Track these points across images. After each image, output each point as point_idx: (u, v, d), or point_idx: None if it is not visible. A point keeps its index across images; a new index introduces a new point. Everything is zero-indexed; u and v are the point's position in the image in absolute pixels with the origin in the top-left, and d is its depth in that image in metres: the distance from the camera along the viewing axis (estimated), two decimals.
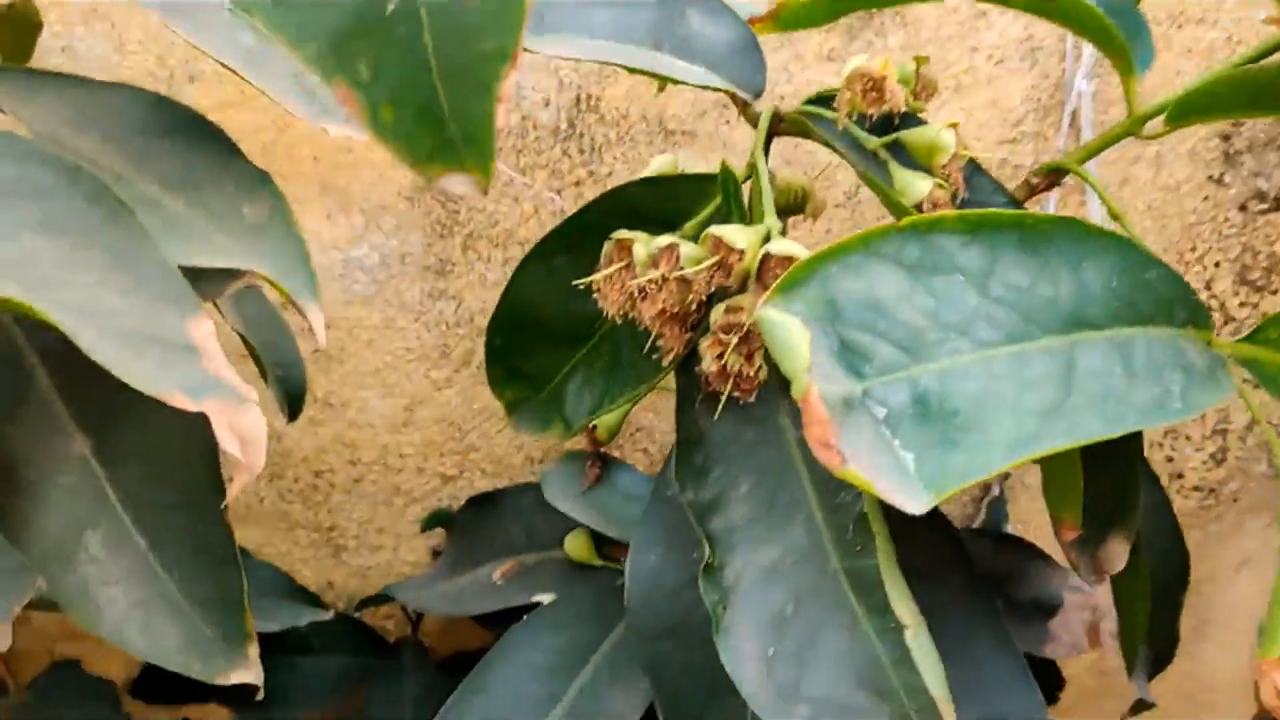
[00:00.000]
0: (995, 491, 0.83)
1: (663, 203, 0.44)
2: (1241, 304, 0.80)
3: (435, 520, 0.76)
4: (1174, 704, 0.88)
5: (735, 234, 0.39)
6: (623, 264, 0.42)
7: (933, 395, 0.35)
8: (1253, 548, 0.88)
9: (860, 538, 0.39)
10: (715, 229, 0.39)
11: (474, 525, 0.69)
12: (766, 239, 0.40)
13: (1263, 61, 0.39)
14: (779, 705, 0.39)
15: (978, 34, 0.71)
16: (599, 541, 0.62)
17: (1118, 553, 0.46)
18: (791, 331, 0.33)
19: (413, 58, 0.30)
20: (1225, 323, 0.83)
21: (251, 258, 0.40)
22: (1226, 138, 0.77)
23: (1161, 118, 0.42)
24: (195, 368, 0.35)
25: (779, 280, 0.35)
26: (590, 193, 0.72)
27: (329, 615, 0.64)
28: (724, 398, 0.42)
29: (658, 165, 0.52)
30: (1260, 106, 0.40)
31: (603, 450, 0.61)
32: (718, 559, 0.41)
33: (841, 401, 0.34)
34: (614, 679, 0.53)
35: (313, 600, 0.68)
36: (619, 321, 0.43)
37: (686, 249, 0.40)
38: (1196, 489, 0.85)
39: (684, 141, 0.72)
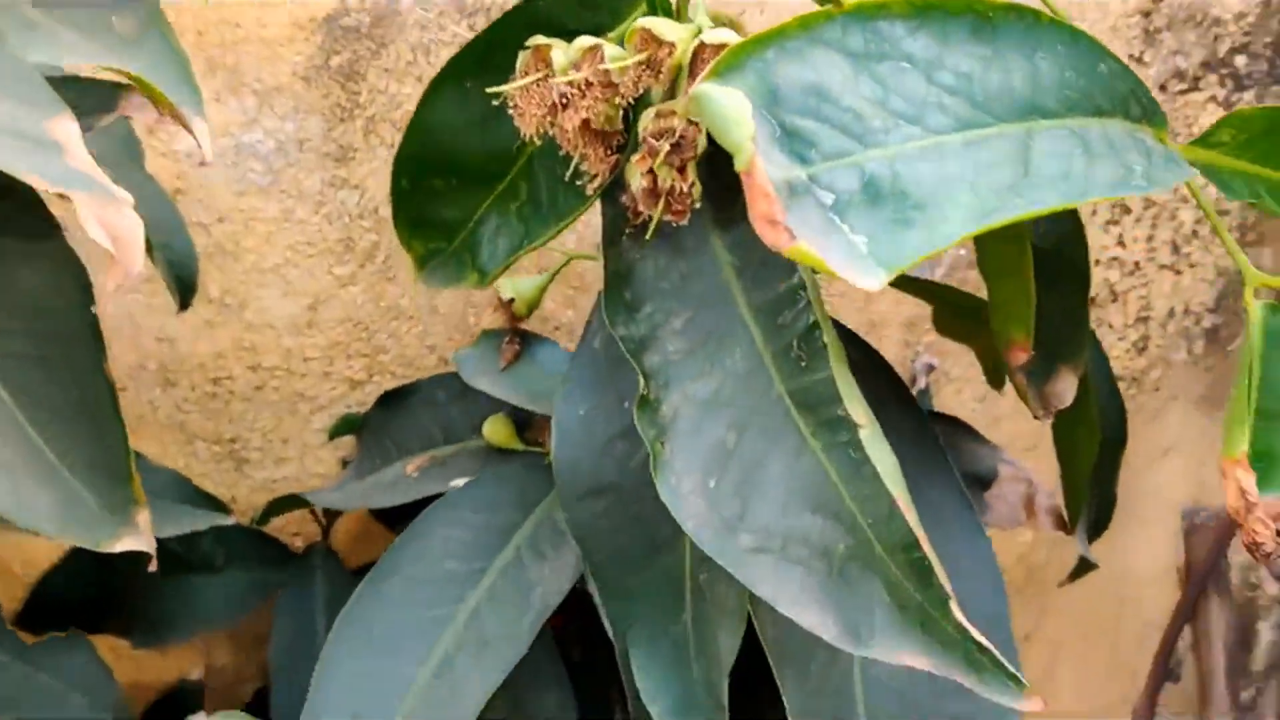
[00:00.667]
0: (921, 384, 0.81)
1: (582, 12, 0.40)
2: None
3: (344, 427, 0.72)
4: (1095, 595, 0.88)
5: (665, 26, 0.35)
6: (540, 75, 0.38)
7: (883, 179, 0.32)
8: (1174, 435, 0.89)
9: (806, 351, 0.36)
10: (643, 20, 0.36)
11: (385, 423, 0.65)
12: (699, 30, 0.36)
13: None
14: (723, 538, 0.36)
15: None
16: (520, 426, 0.59)
17: (1067, 386, 0.44)
18: (733, 101, 0.30)
19: None
20: (1146, 208, 0.82)
21: (125, 64, 0.35)
22: (1147, 14, 0.76)
23: None
24: (58, 159, 0.31)
25: (713, 64, 0.32)
26: None
27: (231, 520, 0.60)
28: (655, 221, 0.39)
29: None
30: None
31: (521, 327, 0.57)
32: (653, 394, 0.38)
33: (786, 186, 0.31)
34: (539, 555, 0.50)
35: (216, 505, 0.63)
36: (538, 142, 0.40)
37: (611, 50, 0.37)
38: (1119, 378, 0.85)
39: None
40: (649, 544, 0.44)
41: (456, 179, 0.44)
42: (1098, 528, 0.57)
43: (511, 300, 0.56)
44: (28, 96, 0.33)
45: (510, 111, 0.39)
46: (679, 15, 0.39)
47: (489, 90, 0.39)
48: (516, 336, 0.57)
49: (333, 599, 0.65)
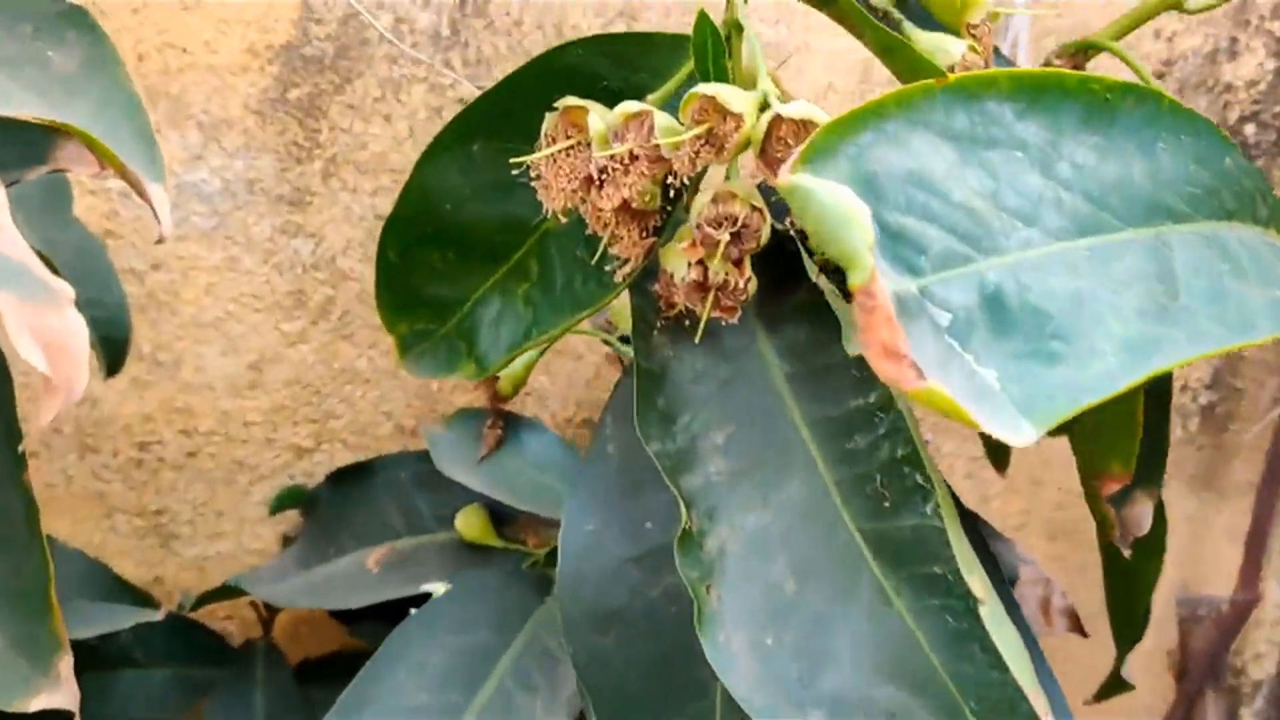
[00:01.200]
0: None
1: (615, 70, 0.34)
2: None
3: (288, 500, 0.64)
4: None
5: (731, 95, 0.29)
6: (572, 142, 0.32)
7: (1009, 295, 0.26)
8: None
9: (891, 489, 0.30)
10: (704, 88, 0.30)
11: (339, 505, 0.58)
12: (764, 106, 0.31)
13: None
14: (784, 709, 0.30)
15: None
16: (497, 519, 0.52)
17: (1143, 513, 0.39)
18: (845, 200, 0.24)
19: None
20: None
21: (62, 114, 0.28)
22: (1159, 77, 0.72)
23: None
24: None
25: (802, 149, 0.26)
26: None
27: (158, 616, 0.52)
28: (703, 320, 0.33)
29: None
30: None
31: (504, 408, 0.51)
32: (696, 525, 0.32)
33: (895, 304, 0.25)
34: (528, 687, 0.43)
35: (138, 598, 0.55)
36: (562, 220, 0.33)
37: (661, 119, 0.31)
38: None
39: None
40: (670, 689, 0.37)
41: (455, 253, 0.37)
42: (1131, 641, 0.52)
43: (496, 378, 0.49)
44: None
45: (533, 183, 0.33)
46: (733, 78, 0.34)
47: (512, 160, 0.33)
48: (499, 419, 0.50)
49: (274, 702, 0.57)
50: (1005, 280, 0.26)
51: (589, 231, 0.34)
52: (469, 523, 0.51)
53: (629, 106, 0.31)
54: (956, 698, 0.28)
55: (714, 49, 0.32)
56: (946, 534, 0.28)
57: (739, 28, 0.33)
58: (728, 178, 0.32)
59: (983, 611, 0.27)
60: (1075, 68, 0.37)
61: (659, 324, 0.35)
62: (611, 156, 0.31)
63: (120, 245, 0.60)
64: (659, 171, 0.31)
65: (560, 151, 0.32)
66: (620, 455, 0.38)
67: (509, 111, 0.35)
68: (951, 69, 0.32)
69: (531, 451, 0.50)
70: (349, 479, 0.58)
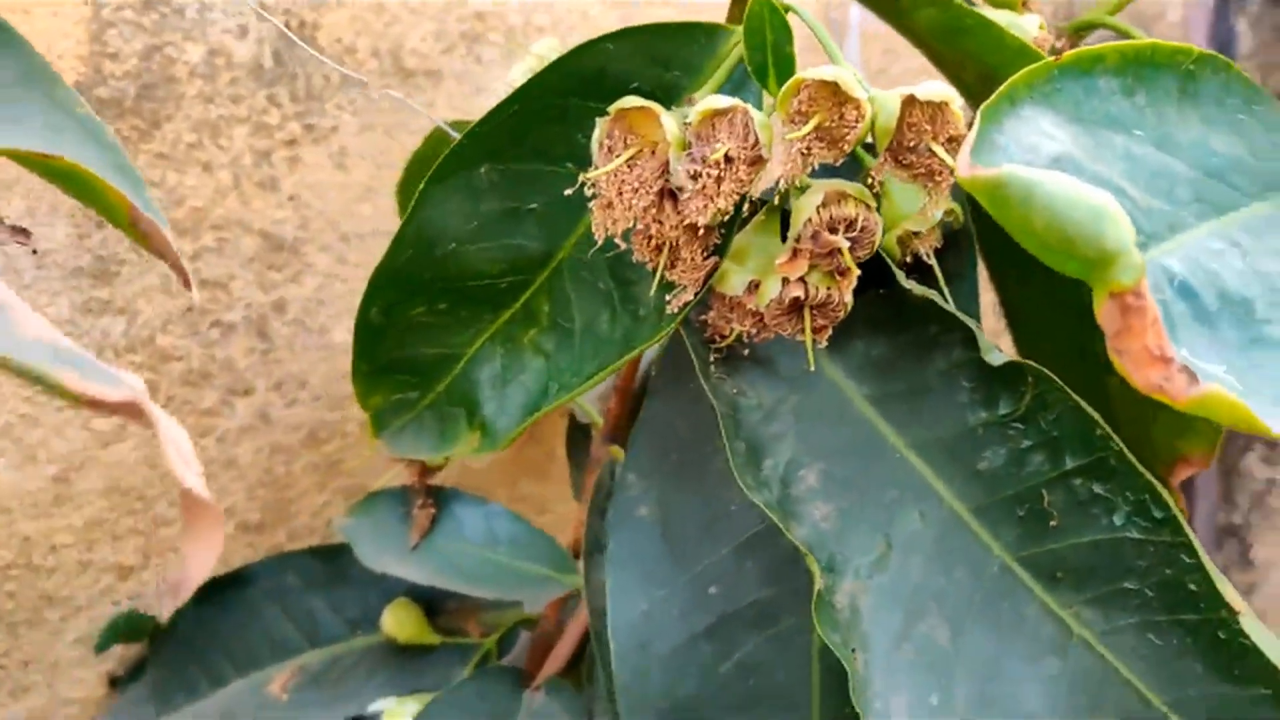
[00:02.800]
0: None
1: (646, 69, 0.29)
2: None
3: (122, 630, 0.53)
4: None
5: (850, 78, 0.25)
6: (633, 150, 0.27)
7: (1197, 282, 0.24)
8: None
9: (1062, 507, 0.27)
10: (815, 72, 0.25)
11: (205, 625, 0.48)
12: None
13: None
14: None
15: None
16: (429, 609, 0.44)
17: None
18: (1085, 191, 0.21)
19: None
20: None
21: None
22: None
23: None
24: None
25: (973, 139, 0.22)
26: (310, 155, 0.54)
27: None
28: (809, 346, 0.29)
29: (542, 49, 0.36)
30: None
31: (432, 483, 0.44)
32: (822, 583, 0.28)
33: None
34: None
35: None
36: (620, 244, 0.28)
37: (755, 113, 0.26)
38: None
39: (426, 84, 0.56)
40: None
41: (448, 303, 0.31)
42: None
43: None
44: None
45: (590, 203, 0.27)
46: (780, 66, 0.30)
47: (583, 178, 0.27)
48: (429, 497, 0.43)
49: None
50: (1188, 266, 0.24)
51: (635, 258, 0.29)
52: (401, 620, 0.43)
53: (713, 103, 0.26)
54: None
55: (775, 33, 0.28)
56: (1149, 545, 0.25)
57: (785, 9, 0.29)
58: (795, 184, 0.28)
59: (1244, 622, 0.24)
60: (1073, 45, 0.36)
61: (713, 359, 0.31)
62: (704, 160, 0.26)
63: None
64: (756, 176, 0.26)
65: (624, 163, 0.27)
66: (657, 517, 0.33)
67: (521, 129, 0.29)
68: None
69: (472, 528, 0.43)
70: (217, 593, 0.48)
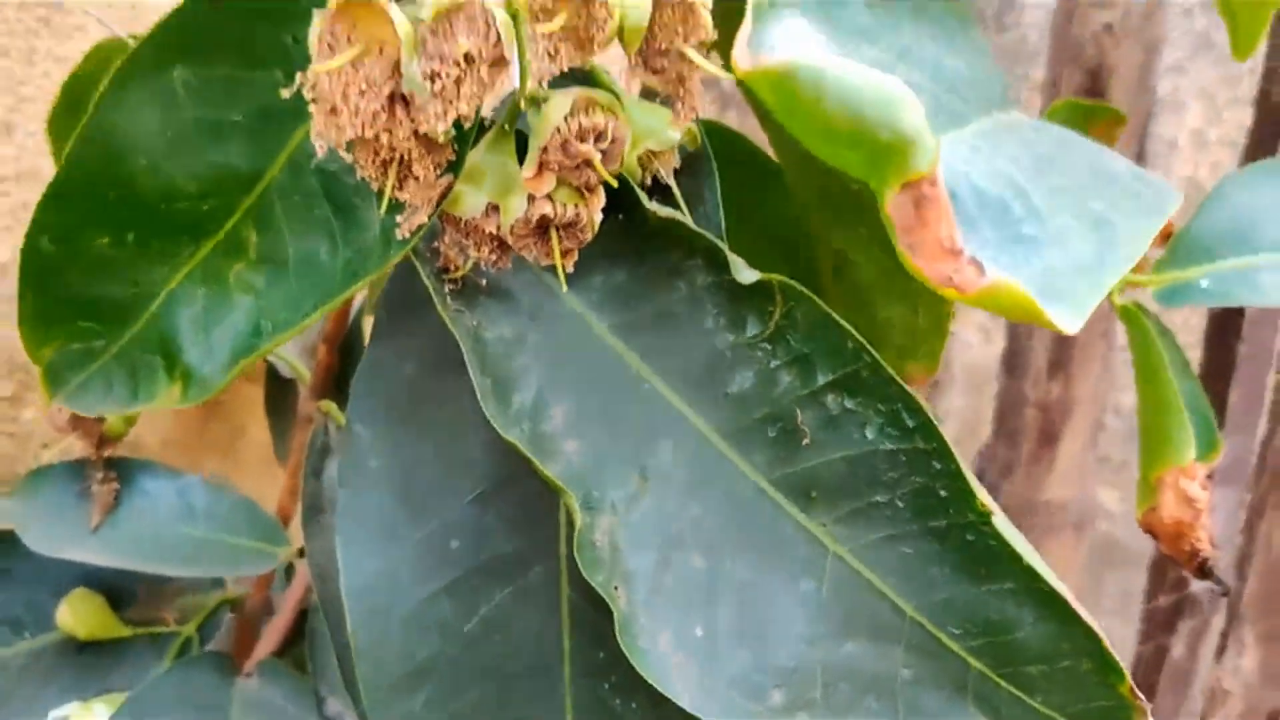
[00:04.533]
0: None
1: None
2: None
3: None
4: None
5: None
6: (358, 49, 0.24)
7: (952, 181, 0.24)
8: None
9: (814, 425, 0.27)
10: None
11: None
12: None
13: None
14: (739, 703, 0.26)
15: None
16: (115, 599, 0.39)
17: None
18: (875, 77, 0.20)
19: None
20: None
21: None
22: None
23: None
24: None
25: (747, 33, 0.22)
26: None
27: None
28: (560, 269, 0.27)
29: None
30: None
31: (112, 454, 0.38)
32: (580, 522, 0.26)
33: None
34: None
35: None
36: (348, 159, 0.25)
37: (499, 12, 0.24)
38: None
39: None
40: None
41: (137, 233, 0.27)
42: None
43: (100, 418, 0.37)
44: None
45: (311, 109, 0.24)
46: None
47: (304, 79, 0.23)
48: (110, 471, 0.37)
49: None
50: (946, 172, 0.24)
51: (360, 175, 0.26)
52: (80, 613, 0.38)
53: None
54: (932, 630, 0.26)
55: None
56: (901, 454, 0.26)
57: None
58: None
59: (996, 522, 0.24)
60: None
61: (448, 289, 0.28)
62: (444, 59, 0.23)
63: None
64: (496, 80, 0.24)
65: (356, 60, 0.24)
66: (389, 466, 0.30)
67: (223, 26, 0.25)
68: None
69: (165, 502, 0.38)
70: None
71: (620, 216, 0.29)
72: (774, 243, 0.43)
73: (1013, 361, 0.60)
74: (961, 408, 0.86)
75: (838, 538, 0.27)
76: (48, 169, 0.49)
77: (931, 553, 0.26)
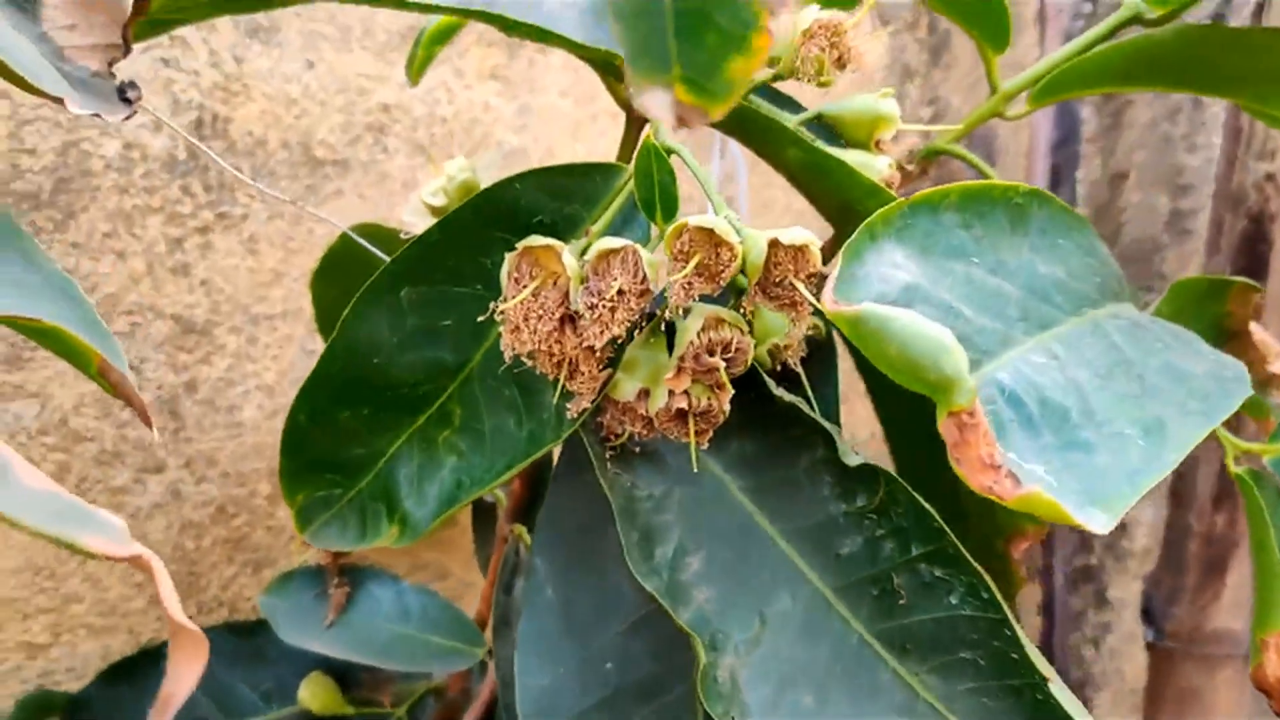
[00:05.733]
0: None
1: (549, 203, 0.33)
2: None
3: (32, 711, 0.54)
4: None
5: (726, 226, 0.30)
6: (538, 282, 0.31)
7: (1022, 393, 0.29)
8: None
9: (910, 588, 0.31)
10: (697, 220, 0.30)
11: (116, 705, 0.50)
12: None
13: (1134, 35, 0.39)
14: None
15: None
16: (343, 682, 0.47)
17: (1032, 552, 0.43)
18: (928, 326, 0.25)
19: None
20: None
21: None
22: None
23: (1025, 96, 0.41)
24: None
25: (836, 277, 0.27)
26: (222, 242, 0.57)
27: None
28: (694, 449, 0.33)
29: (455, 171, 0.40)
30: (1132, 81, 0.40)
31: (346, 562, 0.46)
32: (705, 659, 0.31)
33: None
34: None
35: None
36: (527, 364, 0.32)
37: (645, 254, 0.30)
38: None
39: (335, 174, 0.59)
40: None
41: (370, 408, 0.34)
42: None
43: None
44: None
45: (500, 328, 0.31)
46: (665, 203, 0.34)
47: (495, 308, 0.30)
48: (343, 576, 0.46)
49: None
50: (1013, 380, 0.29)
51: (539, 371, 0.33)
52: (316, 692, 0.46)
53: (607, 243, 0.30)
54: None
55: (660, 173, 0.32)
56: (979, 621, 0.30)
57: (669, 151, 0.34)
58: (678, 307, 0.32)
59: (1052, 689, 0.28)
60: (923, 172, 0.41)
61: (608, 455, 0.35)
62: (599, 294, 0.30)
63: None
64: (644, 306, 0.30)
65: (530, 294, 0.30)
66: (560, 597, 0.37)
67: (440, 256, 0.33)
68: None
69: (387, 604, 0.46)
70: (126, 674, 0.50)
71: (753, 395, 0.35)
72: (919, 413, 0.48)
73: (1179, 492, 0.61)
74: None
75: (928, 686, 0.31)
76: (308, 309, 0.59)
77: (1008, 706, 0.30)
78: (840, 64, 0.33)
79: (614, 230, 0.34)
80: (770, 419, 0.35)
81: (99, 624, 0.57)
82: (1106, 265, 0.36)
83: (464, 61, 0.62)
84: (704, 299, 0.32)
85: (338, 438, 0.34)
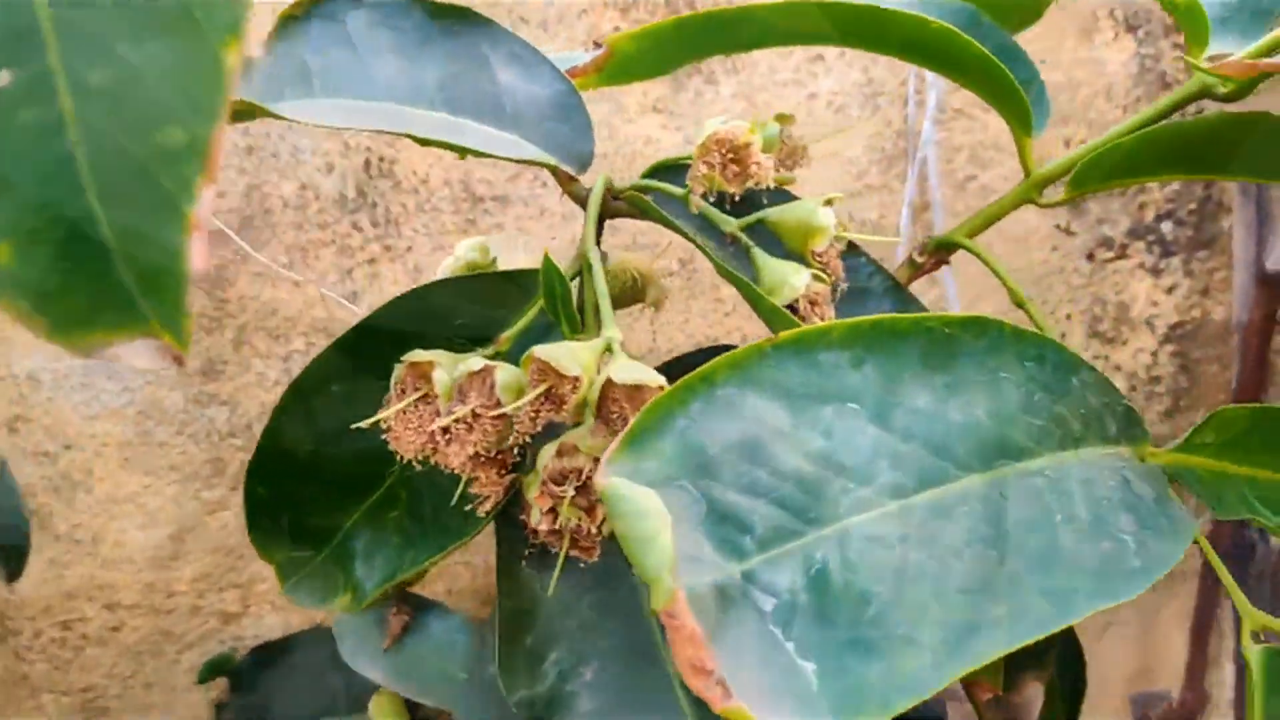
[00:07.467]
0: None
1: (473, 307, 0.34)
2: (1094, 357, 0.75)
3: (215, 669, 0.63)
4: None
5: (565, 357, 0.29)
6: (419, 394, 0.32)
7: (834, 574, 0.26)
8: (1114, 610, 0.84)
9: None
10: (539, 350, 0.29)
11: (259, 684, 0.57)
12: (608, 349, 0.30)
13: (1172, 119, 0.33)
14: None
15: (815, 79, 0.64)
16: (410, 704, 0.51)
17: (1033, 698, 0.39)
18: (646, 514, 0.24)
19: (51, 154, 0.19)
20: None
21: None
22: None
23: (1061, 183, 0.35)
24: None
25: (625, 434, 0.26)
26: (388, 272, 0.62)
27: None
28: (560, 561, 0.32)
29: (463, 251, 0.42)
30: (1170, 168, 0.33)
31: (410, 590, 0.50)
32: None
33: (716, 594, 0.25)
34: None
35: None
36: (417, 467, 0.33)
37: (503, 374, 0.30)
38: None
39: (495, 209, 0.63)
40: None
41: (321, 487, 0.37)
42: None
43: None
44: None
45: (384, 436, 0.33)
46: (584, 314, 0.33)
47: (355, 426, 0.32)
48: (405, 606, 0.49)
49: None
50: (832, 557, 0.26)
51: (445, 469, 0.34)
52: (383, 707, 0.50)
53: (471, 364, 0.31)
54: None
55: (560, 293, 0.32)
56: None
57: (589, 265, 0.33)
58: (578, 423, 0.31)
59: None
60: (938, 263, 0.37)
61: (526, 554, 0.35)
62: (455, 419, 0.30)
63: (31, 429, 0.59)
64: (504, 426, 0.31)
65: (407, 406, 0.32)
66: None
67: (368, 351, 0.35)
68: (794, 304, 0.32)
69: (436, 637, 0.49)
70: (268, 657, 0.57)
71: None
72: None
73: None
74: None
75: None
76: None
77: None
78: (742, 178, 0.31)
79: (537, 336, 0.34)
80: None
81: (280, 601, 0.65)
82: (1075, 399, 0.31)
83: (626, 96, 0.63)
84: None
85: (300, 508, 0.38)
